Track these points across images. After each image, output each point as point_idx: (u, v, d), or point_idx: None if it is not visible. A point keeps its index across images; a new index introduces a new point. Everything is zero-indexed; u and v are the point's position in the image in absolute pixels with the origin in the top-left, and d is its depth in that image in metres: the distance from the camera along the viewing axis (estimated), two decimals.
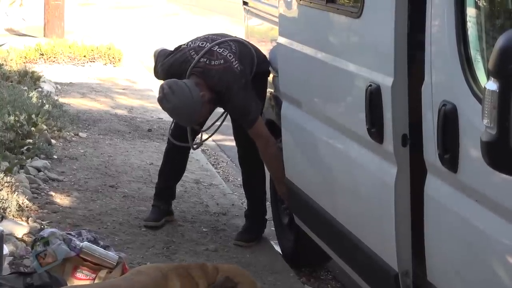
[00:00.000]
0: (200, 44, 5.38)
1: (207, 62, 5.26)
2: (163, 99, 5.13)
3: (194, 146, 5.88)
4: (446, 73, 3.24)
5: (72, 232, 4.44)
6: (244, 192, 6.06)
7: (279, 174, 5.37)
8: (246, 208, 6.02)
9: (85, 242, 4.29)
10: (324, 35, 4.44)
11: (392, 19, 3.59)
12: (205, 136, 6.13)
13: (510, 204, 2.81)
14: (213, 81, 5.27)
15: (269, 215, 5.94)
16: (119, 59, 13.20)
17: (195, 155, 7.85)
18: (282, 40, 5.06)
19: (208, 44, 5.36)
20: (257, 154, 5.47)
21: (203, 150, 8.41)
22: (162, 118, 9.34)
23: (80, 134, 8.13)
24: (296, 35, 4.89)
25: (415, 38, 3.58)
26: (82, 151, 7.52)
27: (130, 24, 19.96)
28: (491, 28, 3.04)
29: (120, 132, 8.52)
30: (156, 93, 11.45)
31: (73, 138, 7.92)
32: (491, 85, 2.33)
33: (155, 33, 18.03)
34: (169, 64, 5.46)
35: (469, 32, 3.11)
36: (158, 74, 5.65)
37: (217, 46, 5.33)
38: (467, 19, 3.11)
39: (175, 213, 5.96)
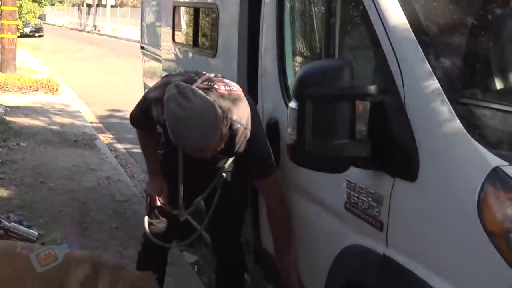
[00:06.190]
0: (199, 70, 3.18)
1: (216, 86, 2.94)
2: (179, 95, 2.61)
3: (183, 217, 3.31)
4: (271, 98, 3.25)
5: (2, 216, 4.24)
6: None
7: (288, 240, 3.01)
8: None
9: (12, 223, 4.09)
10: (191, 69, 4.39)
11: (235, 60, 3.59)
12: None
13: (312, 189, 2.83)
14: (231, 107, 2.87)
15: None
16: (56, 89, 12.80)
17: (109, 158, 7.67)
18: (164, 74, 4.98)
19: (206, 73, 3.11)
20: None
21: (116, 156, 8.20)
22: (86, 132, 9.10)
23: (21, 143, 7.81)
24: (173, 70, 4.83)
25: (251, 73, 3.58)
26: (21, 156, 7.21)
27: (67, 63, 19.45)
28: (300, 64, 3.07)
29: (52, 142, 8.21)
30: (83, 115, 11.30)
31: (15, 147, 7.60)
32: (293, 104, 2.33)
33: (86, 70, 17.62)
34: (158, 86, 3.06)
35: (287, 68, 3.13)
36: (140, 106, 3.10)
37: (219, 75, 3.15)
38: (286, 62, 3.13)
39: (89, 201, 5.75)
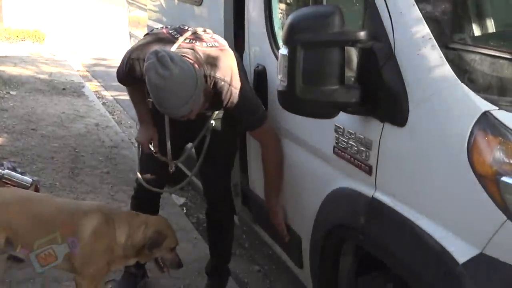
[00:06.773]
0: (181, 26, 2.94)
1: (198, 44, 2.77)
2: (158, 64, 2.46)
3: (172, 169, 3.18)
4: (258, 45, 3.13)
5: None
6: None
7: (279, 183, 2.94)
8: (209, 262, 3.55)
9: (6, 170, 3.98)
10: (177, 17, 4.24)
11: (222, 8, 3.45)
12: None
13: (301, 134, 2.76)
14: (214, 65, 2.72)
15: None
16: (43, 39, 12.44)
17: (97, 106, 7.51)
18: (150, 22, 4.82)
19: (190, 27, 2.92)
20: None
21: (104, 103, 8.03)
22: (73, 80, 8.88)
23: (11, 92, 7.58)
24: (158, 19, 4.67)
25: (238, 21, 3.44)
26: (11, 104, 7.00)
27: (53, 13, 18.92)
28: (287, 11, 2.95)
29: (41, 90, 7.99)
30: (70, 64, 11.02)
31: (5, 96, 7.38)
32: (283, 51, 2.23)
33: (73, 19, 17.17)
34: (140, 46, 2.82)
35: (274, 15, 3.01)
36: (124, 66, 2.88)
37: (201, 29, 2.91)
38: (272, 9, 3.01)
39: (79, 147, 5.64)
